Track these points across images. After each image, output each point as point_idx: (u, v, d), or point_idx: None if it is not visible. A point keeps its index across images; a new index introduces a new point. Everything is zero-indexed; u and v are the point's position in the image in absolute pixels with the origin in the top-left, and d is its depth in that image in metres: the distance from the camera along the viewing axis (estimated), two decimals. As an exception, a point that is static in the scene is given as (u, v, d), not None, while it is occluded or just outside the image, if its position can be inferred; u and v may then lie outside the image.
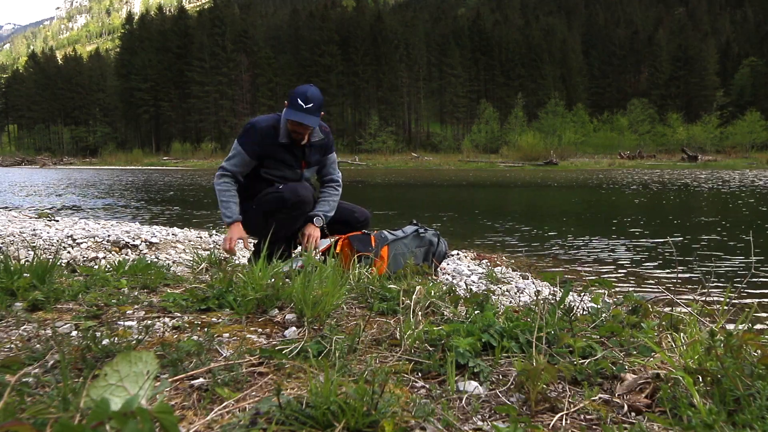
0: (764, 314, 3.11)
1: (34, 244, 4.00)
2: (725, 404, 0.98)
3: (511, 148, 51.18)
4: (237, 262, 2.92)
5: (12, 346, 1.32)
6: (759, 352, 1.08)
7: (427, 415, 0.95)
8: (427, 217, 8.90)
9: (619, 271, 4.58)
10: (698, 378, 1.06)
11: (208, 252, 3.05)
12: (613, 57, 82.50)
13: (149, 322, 1.56)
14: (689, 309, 1.58)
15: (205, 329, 1.50)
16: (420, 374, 1.20)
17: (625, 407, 1.03)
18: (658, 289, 3.54)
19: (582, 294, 2.18)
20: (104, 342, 1.27)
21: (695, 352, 1.19)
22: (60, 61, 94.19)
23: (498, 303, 1.97)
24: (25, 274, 1.88)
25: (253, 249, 3.23)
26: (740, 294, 3.50)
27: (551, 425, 0.96)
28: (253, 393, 1.06)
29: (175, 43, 73.76)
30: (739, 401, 0.97)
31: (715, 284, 3.83)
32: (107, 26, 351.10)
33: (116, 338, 1.32)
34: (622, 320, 1.53)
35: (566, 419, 0.98)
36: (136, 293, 1.92)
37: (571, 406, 1.03)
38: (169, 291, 1.95)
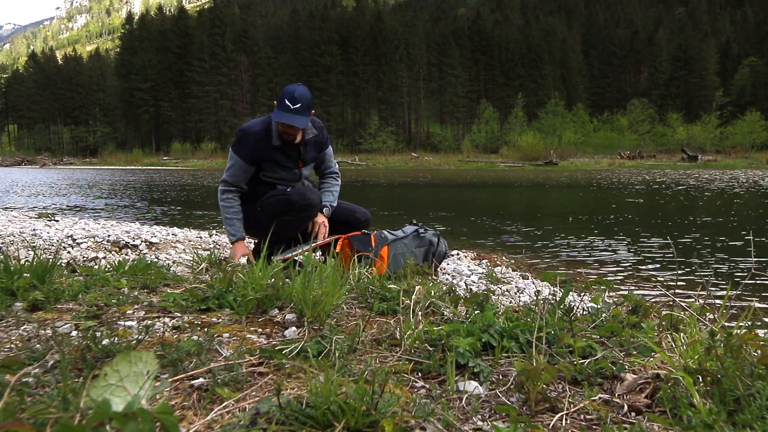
0: (764, 314, 3.11)
1: (34, 244, 4.00)
2: (725, 404, 0.98)
3: (511, 148, 51.19)
4: (237, 262, 2.92)
5: (12, 346, 1.32)
6: (759, 352, 1.08)
7: (427, 415, 0.95)
8: (427, 217, 8.90)
9: (620, 271, 4.58)
10: (698, 378, 1.06)
11: (208, 252, 3.05)
12: (613, 57, 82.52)
13: (149, 322, 1.56)
14: (689, 309, 1.58)
15: (205, 329, 1.50)
16: (420, 374, 1.20)
17: (625, 407, 1.03)
18: (659, 289, 3.54)
19: (582, 294, 2.18)
20: (104, 342, 1.27)
21: (695, 352, 1.19)
22: (60, 61, 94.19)
23: (498, 303, 1.97)
24: (25, 274, 1.88)
25: (253, 249, 3.23)
26: (741, 294, 3.50)
27: (551, 425, 0.96)
28: (253, 393, 1.06)
29: (175, 43, 73.77)
30: (739, 401, 0.97)
31: (716, 284, 3.84)
32: (107, 26, 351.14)
33: (116, 338, 1.32)
34: (622, 320, 1.53)
35: (566, 419, 0.98)
36: (136, 293, 1.92)
37: (571, 406, 1.03)
38: (169, 291, 1.95)
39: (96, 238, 4.52)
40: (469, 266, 4.11)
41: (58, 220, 6.46)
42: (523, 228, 7.40)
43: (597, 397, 1.07)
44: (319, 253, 2.78)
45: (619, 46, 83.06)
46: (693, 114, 62.96)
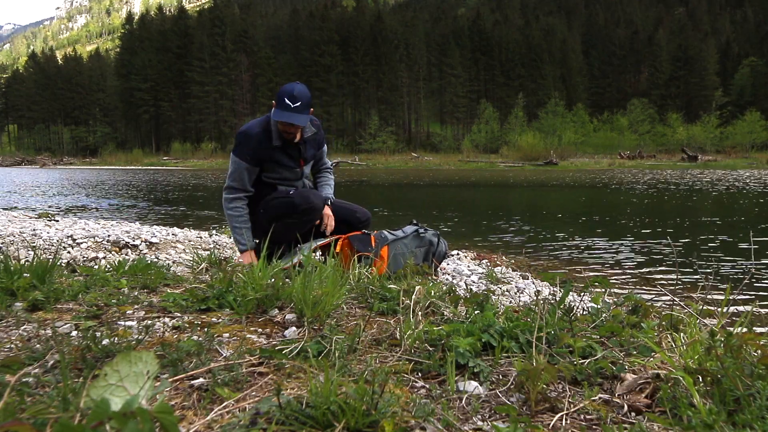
0: (764, 314, 3.11)
1: (34, 244, 4.00)
2: (725, 404, 0.98)
3: (511, 148, 51.19)
4: (237, 261, 2.92)
5: (12, 346, 1.32)
6: (759, 352, 1.08)
7: (427, 415, 0.95)
8: (427, 217, 8.90)
9: (620, 271, 4.58)
10: (698, 378, 1.06)
11: (208, 252, 3.05)
12: (613, 57, 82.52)
13: (149, 322, 1.56)
14: (689, 309, 1.58)
15: (205, 329, 1.50)
16: (420, 374, 1.20)
17: (625, 407, 1.03)
18: (659, 289, 3.54)
19: (582, 294, 2.18)
20: (104, 342, 1.27)
21: (695, 352, 1.19)
22: (60, 61, 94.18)
23: (498, 303, 1.97)
24: (25, 274, 1.88)
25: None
26: (741, 295, 3.50)
27: (551, 425, 0.96)
28: (253, 393, 1.06)
29: (175, 43, 73.77)
30: (739, 401, 0.97)
31: (717, 284, 3.83)
32: (107, 26, 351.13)
33: (116, 338, 1.32)
34: (622, 320, 1.53)
35: (566, 419, 0.98)
36: (136, 293, 1.92)
37: (571, 406, 1.03)
38: (169, 291, 1.95)
39: (96, 238, 4.52)
40: (469, 266, 4.11)
41: (58, 220, 6.46)
42: (523, 228, 7.40)
43: (597, 397, 1.07)
44: (319, 253, 2.78)
45: (619, 46, 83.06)
46: (693, 114, 62.97)
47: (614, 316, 1.56)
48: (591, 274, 4.43)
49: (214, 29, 71.91)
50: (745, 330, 1.18)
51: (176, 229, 5.81)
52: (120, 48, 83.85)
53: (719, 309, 1.47)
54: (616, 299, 1.96)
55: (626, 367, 1.20)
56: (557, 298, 1.54)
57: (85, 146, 78.89)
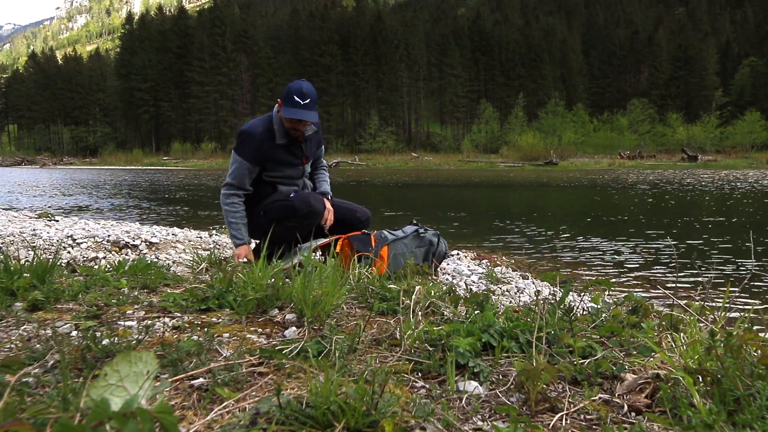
0: (764, 314, 3.11)
1: (34, 244, 4.00)
2: (725, 404, 0.98)
3: (511, 148, 51.18)
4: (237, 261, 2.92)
5: (12, 346, 1.32)
6: (759, 352, 1.08)
7: (427, 415, 0.95)
8: (427, 217, 8.90)
9: (620, 271, 4.58)
10: (698, 378, 1.06)
11: (208, 252, 3.05)
12: (613, 57, 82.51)
13: (149, 322, 1.56)
14: (689, 309, 1.58)
15: (205, 329, 1.50)
16: (420, 374, 1.20)
17: (625, 407, 1.03)
18: (659, 289, 3.54)
19: (582, 294, 2.18)
20: (104, 342, 1.27)
21: (695, 352, 1.19)
22: (60, 61, 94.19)
23: (498, 303, 1.97)
24: (25, 274, 1.88)
25: (253, 249, 3.23)
26: (741, 295, 3.50)
27: (551, 425, 0.96)
28: (253, 393, 1.06)
29: (175, 43, 73.77)
30: (739, 401, 0.97)
31: (717, 285, 3.83)
32: (107, 26, 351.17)
33: (116, 338, 1.32)
34: (622, 320, 1.53)
35: (566, 419, 0.98)
36: (136, 293, 1.92)
37: (571, 406, 1.03)
38: (169, 291, 1.95)
39: (96, 238, 4.52)
40: (469, 266, 4.11)
41: (58, 220, 6.46)
42: (523, 228, 7.40)
43: (597, 397, 1.07)
44: (319, 253, 2.78)
45: (619, 46, 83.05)
46: (693, 114, 62.96)
47: (614, 316, 1.56)
48: (590, 272, 4.43)
49: (214, 29, 71.91)
50: (745, 330, 1.18)
51: (176, 229, 5.81)
52: (120, 48, 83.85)
53: (719, 309, 1.47)
54: (616, 299, 1.96)
55: (626, 367, 1.20)
56: (557, 298, 1.54)
57: (85, 146, 78.90)
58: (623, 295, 1.80)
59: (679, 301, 1.68)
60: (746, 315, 1.39)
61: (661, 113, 62.54)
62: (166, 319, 1.60)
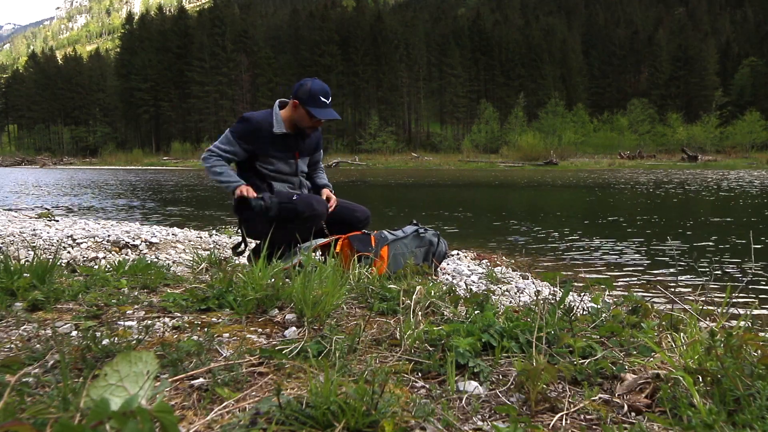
0: (765, 314, 3.11)
1: (34, 244, 4.00)
2: (725, 404, 0.98)
3: (511, 148, 51.17)
4: (237, 262, 2.92)
5: (12, 346, 1.32)
6: (759, 352, 1.08)
7: (427, 415, 0.95)
8: (427, 217, 8.90)
9: (620, 271, 4.58)
10: (698, 378, 1.06)
11: (208, 252, 3.05)
12: (613, 57, 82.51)
13: (149, 322, 1.56)
14: (689, 309, 1.58)
15: (205, 329, 1.50)
16: (420, 374, 1.20)
17: (625, 407, 1.03)
18: (659, 289, 3.54)
19: (582, 294, 2.18)
20: (104, 342, 1.27)
21: (695, 352, 1.19)
22: (60, 61, 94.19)
23: (498, 303, 1.97)
24: (25, 274, 1.88)
25: (253, 249, 3.23)
26: (741, 295, 3.50)
27: (551, 425, 0.96)
28: (253, 393, 1.06)
29: (175, 43, 73.77)
30: (739, 401, 0.97)
31: (718, 285, 3.83)
32: (107, 26, 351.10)
33: (116, 338, 1.32)
34: (622, 320, 1.53)
35: (566, 419, 0.98)
36: (136, 293, 1.92)
37: (571, 406, 1.03)
38: (169, 291, 1.95)
39: (96, 238, 4.52)
40: (469, 266, 4.11)
41: (58, 220, 6.46)
42: (523, 228, 7.40)
43: (597, 397, 1.07)
44: (319, 253, 2.78)
45: (619, 46, 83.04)
46: (693, 114, 62.94)
47: (614, 316, 1.56)
48: (591, 272, 4.43)
49: (214, 29, 71.91)
50: (745, 330, 1.18)
51: (176, 229, 5.82)
52: (120, 48, 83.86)
53: (719, 309, 1.47)
54: (616, 299, 1.97)
55: (626, 367, 1.20)
56: (557, 298, 1.54)
57: (85, 146, 78.90)
58: (624, 293, 1.80)
59: (679, 301, 1.68)
60: (746, 315, 1.39)
61: (661, 113, 62.53)
62: (166, 319, 1.60)
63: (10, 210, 8.40)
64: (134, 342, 1.34)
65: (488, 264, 4.41)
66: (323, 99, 2.87)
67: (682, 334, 1.36)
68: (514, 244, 6.05)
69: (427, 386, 1.13)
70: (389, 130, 65.82)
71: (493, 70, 76.82)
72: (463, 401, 1.05)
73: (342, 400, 0.90)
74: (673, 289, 3.44)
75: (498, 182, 21.75)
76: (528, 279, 3.76)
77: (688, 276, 4.28)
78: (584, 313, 1.63)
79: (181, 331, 1.50)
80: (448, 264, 4.02)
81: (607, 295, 2.29)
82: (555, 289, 2.08)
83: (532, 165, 39.14)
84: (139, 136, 77.56)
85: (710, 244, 5.92)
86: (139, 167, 46.90)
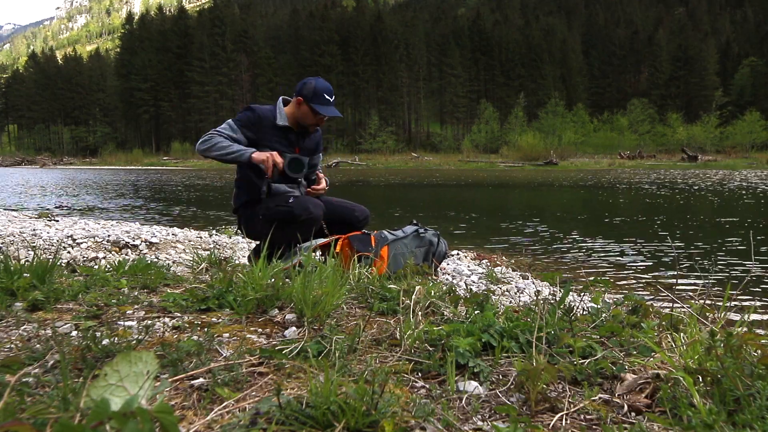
0: (765, 314, 3.11)
1: (34, 244, 4.00)
2: (725, 404, 0.98)
3: (511, 148, 51.17)
4: (237, 262, 2.92)
5: (12, 346, 1.32)
6: (759, 352, 1.08)
7: (427, 415, 0.95)
8: (427, 217, 8.90)
9: (620, 271, 4.58)
10: (698, 378, 1.06)
11: (208, 252, 3.05)
12: (613, 57, 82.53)
13: (149, 322, 1.56)
14: (689, 309, 1.58)
15: (205, 329, 1.50)
16: (420, 374, 1.20)
17: (625, 407, 1.03)
18: (659, 289, 3.54)
19: (582, 294, 2.18)
20: (104, 342, 1.27)
21: (695, 352, 1.19)
22: (60, 61, 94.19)
23: (498, 303, 1.97)
24: (25, 274, 1.88)
25: (253, 249, 3.23)
26: (741, 295, 3.50)
27: (551, 425, 0.96)
28: (253, 393, 1.06)
29: (175, 43, 73.79)
30: (739, 401, 0.97)
31: (717, 285, 3.83)
32: (107, 26, 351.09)
33: (116, 338, 1.32)
34: (622, 320, 1.53)
35: (566, 419, 0.98)
36: (136, 293, 1.92)
37: (571, 406, 1.03)
38: (169, 291, 1.95)
39: (96, 238, 4.52)
40: (469, 266, 4.11)
41: (58, 220, 6.46)
42: (523, 228, 7.40)
43: (597, 397, 1.07)
44: (319, 253, 2.78)
45: (619, 46, 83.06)
46: (693, 114, 62.95)
47: (614, 316, 1.56)
48: (591, 272, 4.43)
49: (214, 29, 71.93)
50: (745, 330, 1.18)
51: (176, 229, 5.82)
52: (120, 48, 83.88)
53: (719, 309, 1.47)
54: (616, 299, 1.96)
55: (626, 367, 1.20)
56: (557, 298, 1.54)
57: (85, 146, 78.90)
58: (623, 295, 1.80)
59: (679, 301, 1.68)
60: (746, 315, 1.39)
61: (661, 113, 62.54)
62: (166, 319, 1.60)
63: (10, 210, 8.40)
64: (134, 342, 1.34)
65: (488, 264, 4.41)
66: (327, 97, 2.90)
67: (682, 334, 1.36)
68: (514, 244, 6.05)
69: (427, 386, 1.13)
70: (389, 130, 65.82)
71: (493, 70, 76.83)
72: (463, 401, 1.05)
73: (342, 400, 0.90)
74: (673, 290, 3.44)
75: (498, 182, 21.75)
76: (528, 279, 3.76)
77: (689, 276, 4.28)
78: (584, 313, 1.63)
79: (181, 331, 1.50)
80: (448, 264, 4.02)
81: (607, 295, 2.29)
82: (555, 289, 2.08)
83: (532, 165, 39.13)
84: (139, 136, 77.56)
85: (711, 244, 5.92)
86: (139, 167, 46.91)
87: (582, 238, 6.38)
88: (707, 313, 1.50)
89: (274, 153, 2.80)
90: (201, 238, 5.18)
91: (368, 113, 69.51)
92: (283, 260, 2.59)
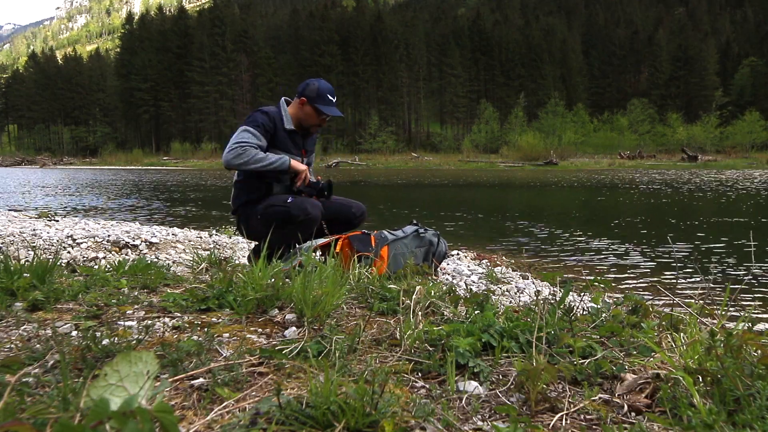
0: (764, 314, 3.11)
1: (34, 244, 4.00)
2: (725, 404, 0.98)
3: (511, 148, 51.17)
4: (237, 262, 2.92)
5: (12, 346, 1.32)
6: (759, 352, 1.08)
7: (427, 415, 0.95)
8: (427, 217, 8.90)
9: (621, 271, 4.58)
10: (698, 378, 1.06)
11: (208, 252, 3.05)
12: (613, 57, 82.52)
13: (149, 322, 1.56)
14: (689, 309, 1.58)
15: (205, 329, 1.50)
16: (420, 374, 1.20)
17: (625, 407, 1.03)
18: (659, 289, 3.54)
19: (582, 294, 2.18)
20: (104, 342, 1.27)
21: (695, 352, 1.19)
22: (60, 61, 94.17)
23: (498, 303, 1.97)
24: (25, 274, 1.88)
25: (252, 249, 3.23)
26: (741, 295, 3.50)
27: (551, 425, 0.96)
28: (253, 393, 1.06)
29: (175, 43, 73.78)
30: (739, 401, 0.97)
31: (717, 285, 3.83)
32: (107, 26, 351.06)
33: (116, 338, 1.32)
34: (622, 320, 1.53)
35: (566, 419, 0.98)
36: (136, 293, 1.92)
37: (571, 406, 1.03)
38: (169, 291, 1.95)
39: (96, 238, 4.52)
40: (469, 266, 4.11)
41: (58, 220, 6.46)
42: (523, 228, 7.40)
43: (597, 397, 1.07)
44: (319, 253, 2.78)
45: (619, 46, 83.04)
46: (693, 114, 62.93)
47: (614, 316, 1.56)
48: (590, 272, 4.43)
49: (214, 29, 71.91)
50: (745, 330, 1.18)
51: (176, 229, 5.82)
52: (120, 48, 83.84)
53: (719, 309, 1.47)
54: (616, 299, 1.96)
55: (626, 367, 1.20)
56: (557, 298, 1.54)
57: (85, 146, 78.88)
58: (623, 295, 1.80)
59: (679, 301, 1.68)
60: (746, 315, 1.39)
61: (661, 113, 62.52)
62: (166, 319, 1.60)
63: (11, 210, 8.40)
64: (134, 342, 1.34)
65: (488, 264, 4.41)
66: (330, 97, 2.96)
67: (682, 334, 1.36)
68: (514, 244, 6.05)
69: (427, 386, 1.13)
70: (389, 130, 65.82)
71: (493, 70, 76.81)
72: (463, 401, 1.05)
73: (342, 400, 0.90)
74: (673, 290, 3.44)
75: (498, 182, 21.75)
76: (528, 279, 3.76)
77: (690, 276, 4.28)
78: (584, 313, 1.63)
79: (181, 331, 1.50)
80: (448, 264, 4.02)
81: (607, 295, 2.29)
82: (555, 289, 2.08)
83: (532, 165, 39.13)
84: (139, 136, 77.54)
85: (711, 244, 5.92)
86: (140, 167, 46.91)
87: (582, 238, 6.38)
88: (707, 313, 1.51)
89: (305, 167, 2.93)
90: (201, 238, 5.18)
91: (368, 113, 69.50)
92: (283, 260, 2.59)
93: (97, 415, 0.61)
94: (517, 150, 49.11)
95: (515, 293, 3.21)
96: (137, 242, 4.49)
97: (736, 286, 3.35)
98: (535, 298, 2.01)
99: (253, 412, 0.93)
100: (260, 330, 1.53)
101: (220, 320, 1.62)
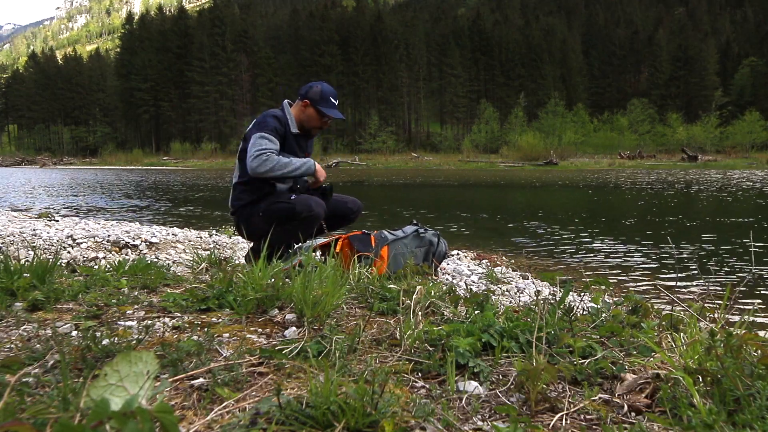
0: (765, 314, 3.11)
1: (34, 244, 4.00)
2: (725, 404, 0.98)
3: (511, 148, 51.15)
4: (237, 262, 2.92)
5: (12, 346, 1.32)
6: (759, 352, 1.08)
7: (427, 415, 0.95)
8: (427, 216, 8.89)
9: (620, 271, 4.58)
10: (698, 378, 1.06)
11: (208, 252, 3.05)
12: (613, 57, 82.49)
13: (149, 322, 1.56)
14: (689, 309, 1.58)
15: (205, 329, 1.50)
16: (420, 374, 1.20)
17: (625, 407, 1.03)
18: (659, 289, 3.54)
19: (582, 294, 2.18)
20: (104, 342, 1.27)
21: (695, 352, 1.19)
22: (60, 61, 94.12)
23: (498, 303, 1.97)
24: (25, 274, 1.88)
25: (252, 248, 3.23)
26: (741, 295, 3.50)
27: (551, 425, 0.96)
28: (253, 393, 1.06)
29: (175, 43, 73.75)
30: (739, 401, 0.97)
31: (717, 285, 3.84)
32: (107, 26, 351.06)
33: (116, 338, 1.32)
34: (622, 320, 1.53)
35: (566, 419, 0.98)
36: (136, 293, 1.92)
37: (571, 406, 1.03)
38: (169, 291, 1.95)
39: (96, 238, 4.52)
40: (469, 266, 4.11)
41: (58, 220, 6.46)
42: (523, 228, 7.40)
43: (597, 397, 1.07)
44: (319, 253, 2.78)
45: (619, 46, 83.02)
46: (693, 114, 62.90)
47: (614, 316, 1.56)
48: (591, 272, 4.43)
49: (214, 29, 71.87)
50: (745, 330, 1.18)
51: (176, 229, 5.82)
52: (120, 48, 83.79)
53: (719, 309, 1.47)
54: (616, 299, 1.96)
55: (626, 367, 1.20)
56: (557, 298, 1.54)
57: (85, 146, 78.84)
58: (623, 295, 1.80)
59: (679, 301, 1.68)
60: (746, 315, 1.39)
61: (661, 113, 62.50)
62: (166, 319, 1.60)
63: (12, 210, 8.40)
64: (134, 342, 1.34)
65: (488, 264, 4.41)
66: (333, 100, 2.99)
67: (682, 334, 1.36)
68: (514, 244, 6.05)
69: (427, 386, 1.13)
70: (389, 130, 65.80)
71: (493, 70, 76.78)
72: (463, 401, 1.05)
73: (342, 400, 0.90)
74: (673, 290, 3.44)
75: (498, 182, 21.75)
76: (528, 279, 3.76)
77: (690, 276, 4.28)
78: (584, 313, 1.63)
79: (181, 331, 1.50)
80: (448, 264, 4.02)
81: (607, 295, 2.29)
82: (555, 289, 2.08)
83: (532, 165, 39.12)
84: (139, 136, 77.51)
85: (711, 244, 5.92)
86: (140, 167, 46.90)
87: (582, 238, 6.38)
88: (707, 313, 1.51)
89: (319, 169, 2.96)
90: (201, 238, 5.18)
91: (368, 113, 69.48)
92: (282, 260, 2.59)
93: (98, 415, 0.61)
94: (517, 150, 49.10)
95: (515, 293, 3.21)
96: (137, 242, 4.49)
97: (737, 288, 3.35)
98: (535, 298, 2.01)
99: (253, 412, 0.93)
100: (260, 330, 1.53)
101: (220, 320, 1.62)
